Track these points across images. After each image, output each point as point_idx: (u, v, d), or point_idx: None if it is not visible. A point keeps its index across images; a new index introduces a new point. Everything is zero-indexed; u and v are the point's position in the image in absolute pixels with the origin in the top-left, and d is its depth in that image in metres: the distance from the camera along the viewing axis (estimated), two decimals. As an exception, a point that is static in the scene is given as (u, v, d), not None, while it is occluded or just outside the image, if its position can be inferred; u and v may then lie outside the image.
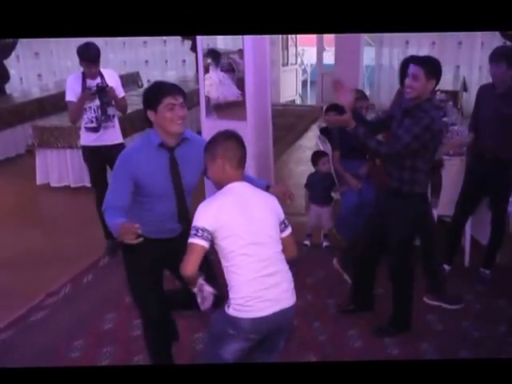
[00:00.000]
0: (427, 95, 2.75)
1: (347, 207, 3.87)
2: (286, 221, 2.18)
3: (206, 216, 2.02)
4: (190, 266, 2.01)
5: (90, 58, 3.75)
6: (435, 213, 3.73)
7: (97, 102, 3.84)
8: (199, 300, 2.18)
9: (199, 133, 4.75)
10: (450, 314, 3.22)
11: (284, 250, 2.18)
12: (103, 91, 3.80)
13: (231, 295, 2.07)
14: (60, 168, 5.51)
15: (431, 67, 2.71)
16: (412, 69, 2.71)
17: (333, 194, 4.04)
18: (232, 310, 2.05)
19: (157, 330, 2.53)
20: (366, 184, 4.02)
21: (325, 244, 4.03)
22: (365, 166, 3.78)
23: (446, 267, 3.63)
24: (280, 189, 2.48)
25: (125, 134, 4.52)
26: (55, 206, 5.20)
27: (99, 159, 3.96)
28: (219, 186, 2.15)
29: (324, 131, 4.53)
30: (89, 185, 4.53)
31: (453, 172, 3.62)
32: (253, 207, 2.09)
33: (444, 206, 3.66)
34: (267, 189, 2.40)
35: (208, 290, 2.16)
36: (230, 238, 2.03)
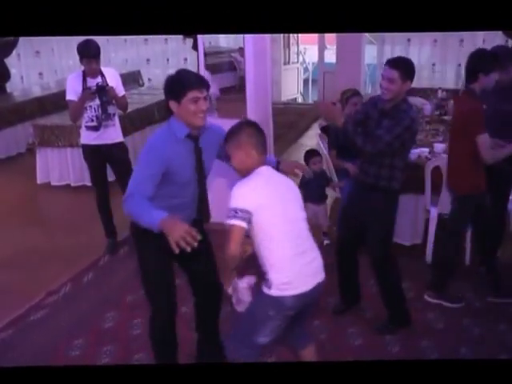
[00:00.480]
0: (402, 95, 2.84)
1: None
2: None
3: (244, 197, 2.09)
4: (233, 246, 2.06)
5: (90, 54, 3.74)
6: (435, 211, 3.73)
7: (97, 101, 3.84)
8: (234, 301, 2.21)
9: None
10: (451, 313, 3.22)
11: None
12: (103, 90, 3.79)
13: (272, 275, 2.13)
14: (61, 167, 5.51)
15: (406, 69, 2.79)
16: (387, 72, 2.78)
17: (333, 192, 4.04)
18: (275, 290, 2.12)
19: (167, 329, 2.52)
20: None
21: (325, 242, 4.02)
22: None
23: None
24: (290, 165, 2.58)
25: (125, 133, 4.51)
26: (56, 204, 5.20)
27: (99, 158, 3.95)
28: (245, 172, 2.20)
29: (324, 129, 4.52)
30: (89, 184, 4.53)
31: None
32: (282, 188, 2.21)
33: (445, 205, 3.65)
34: (278, 164, 2.50)
35: (243, 286, 2.18)
36: (269, 216, 2.11)
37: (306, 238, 2.23)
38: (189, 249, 2.00)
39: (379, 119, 2.88)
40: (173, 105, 2.25)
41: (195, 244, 2.00)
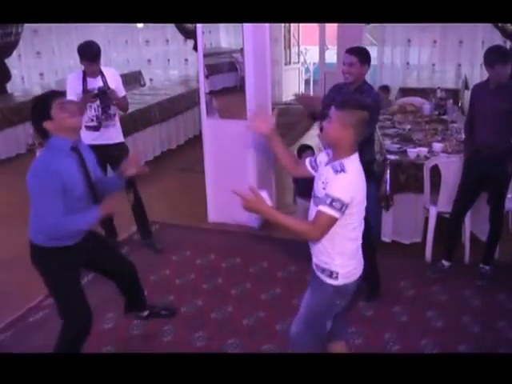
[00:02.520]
0: (363, 79, 3.21)
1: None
2: None
3: (346, 189, 2.02)
4: (319, 234, 2.07)
5: (90, 56, 3.74)
6: (434, 210, 3.73)
7: (98, 102, 3.84)
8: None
9: (200, 132, 4.75)
10: (450, 311, 3.23)
11: None
12: (104, 94, 3.80)
13: (342, 262, 2.15)
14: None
15: (363, 55, 3.19)
16: (347, 58, 3.18)
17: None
18: (342, 279, 2.16)
19: (84, 339, 2.58)
20: (368, 182, 4.03)
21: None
22: None
23: (446, 263, 3.64)
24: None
25: (126, 133, 4.51)
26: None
27: (100, 158, 3.92)
28: (331, 144, 2.16)
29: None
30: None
31: (452, 169, 3.62)
32: (363, 177, 2.16)
33: (444, 203, 3.66)
34: None
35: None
36: (358, 209, 2.09)
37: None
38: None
39: None
40: (48, 125, 2.35)
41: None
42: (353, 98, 2.21)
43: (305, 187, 3.95)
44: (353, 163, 2.09)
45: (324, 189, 2.06)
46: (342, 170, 2.04)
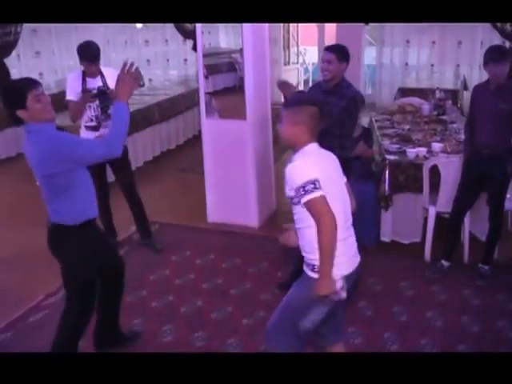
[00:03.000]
0: (341, 76, 3.26)
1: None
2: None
3: (308, 170, 2.01)
4: (328, 215, 1.97)
5: (90, 57, 3.75)
6: (433, 210, 3.74)
7: (97, 101, 3.85)
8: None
9: (199, 132, 4.75)
10: (449, 310, 3.24)
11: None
12: (104, 94, 3.81)
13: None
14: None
15: (341, 52, 3.23)
16: (326, 55, 3.22)
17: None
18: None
19: (84, 328, 2.65)
20: (367, 182, 4.04)
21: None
22: (359, 146, 3.99)
23: (445, 263, 3.65)
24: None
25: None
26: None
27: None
28: (289, 144, 2.19)
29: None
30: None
31: (451, 169, 3.63)
32: (331, 166, 2.17)
33: (443, 203, 3.67)
34: None
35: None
36: (326, 194, 2.01)
37: (350, 216, 2.20)
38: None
39: (325, 99, 3.18)
40: (21, 113, 2.36)
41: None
42: (299, 95, 2.21)
43: None
44: (305, 152, 2.10)
45: (291, 188, 2.05)
46: (290, 162, 2.08)
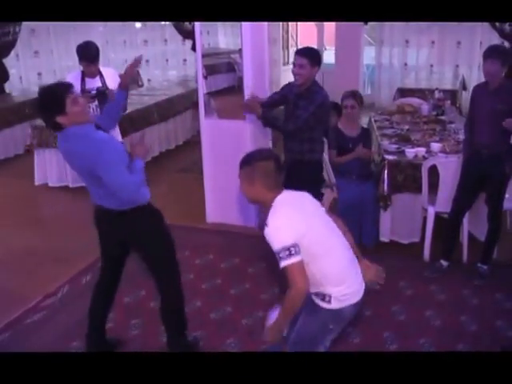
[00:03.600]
0: (313, 80, 3.29)
1: (347, 207, 3.88)
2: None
3: (284, 233, 2.00)
4: (301, 281, 1.99)
5: (89, 57, 3.75)
6: (432, 210, 3.74)
7: (96, 102, 3.84)
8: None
9: (198, 132, 4.75)
10: (448, 310, 3.24)
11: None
12: (103, 95, 3.80)
13: (331, 289, 2.10)
14: (59, 168, 5.50)
15: (313, 57, 3.24)
16: (298, 60, 3.22)
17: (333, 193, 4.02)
18: (336, 303, 2.11)
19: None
20: (366, 182, 4.04)
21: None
22: (360, 146, 4.03)
23: (444, 263, 3.65)
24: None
25: (124, 134, 4.52)
26: (54, 206, 5.19)
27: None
28: (258, 203, 2.21)
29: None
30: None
31: (450, 169, 3.63)
32: (308, 205, 2.17)
33: (442, 203, 3.67)
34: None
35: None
36: (314, 237, 2.04)
37: (347, 246, 2.21)
38: None
39: (296, 102, 3.33)
40: (61, 119, 2.32)
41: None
42: (250, 153, 2.18)
43: (315, 196, 3.91)
44: (275, 208, 2.07)
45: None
46: (266, 224, 2.04)
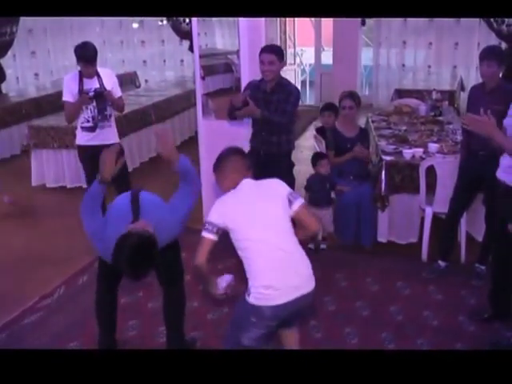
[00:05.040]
0: (280, 75, 3.47)
1: (345, 208, 3.88)
2: (292, 194, 2.25)
3: (214, 212, 2.23)
4: (199, 256, 2.21)
5: (87, 58, 3.73)
6: (430, 210, 3.74)
7: (94, 103, 3.84)
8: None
9: (196, 133, 4.74)
10: (446, 310, 3.24)
11: (301, 228, 2.26)
12: (101, 96, 3.79)
13: (251, 283, 2.17)
14: (56, 168, 5.49)
15: (280, 53, 3.43)
16: (267, 57, 3.36)
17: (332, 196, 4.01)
18: (253, 299, 2.14)
19: None
20: (364, 182, 4.03)
21: (322, 247, 3.98)
22: (358, 147, 4.06)
23: (442, 263, 3.65)
24: None
25: (122, 134, 4.50)
26: (51, 206, 5.17)
27: (95, 159, 3.92)
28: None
29: (320, 131, 4.53)
30: (85, 185, 4.51)
31: (448, 170, 3.62)
32: (256, 200, 2.23)
33: (439, 204, 3.67)
34: None
35: (222, 285, 2.28)
36: (239, 230, 2.18)
37: (290, 247, 2.19)
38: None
39: (267, 98, 3.44)
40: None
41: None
42: (221, 153, 2.40)
43: (318, 195, 3.90)
44: (232, 192, 2.27)
45: None
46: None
